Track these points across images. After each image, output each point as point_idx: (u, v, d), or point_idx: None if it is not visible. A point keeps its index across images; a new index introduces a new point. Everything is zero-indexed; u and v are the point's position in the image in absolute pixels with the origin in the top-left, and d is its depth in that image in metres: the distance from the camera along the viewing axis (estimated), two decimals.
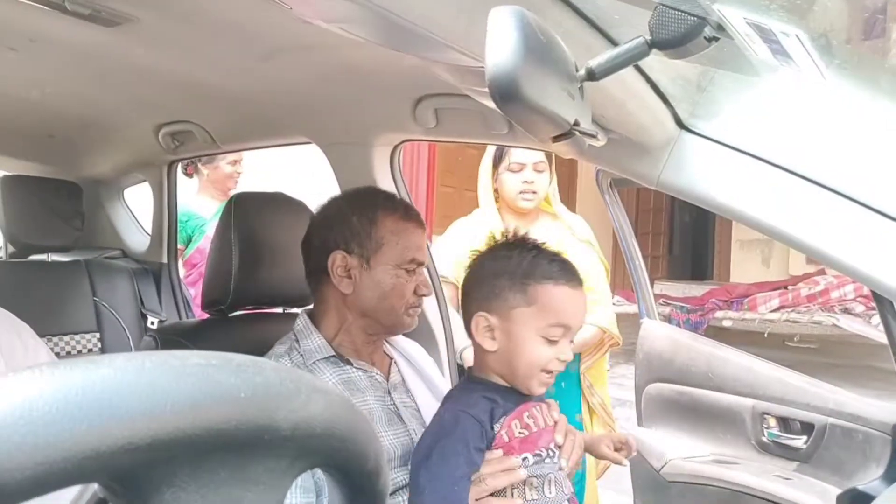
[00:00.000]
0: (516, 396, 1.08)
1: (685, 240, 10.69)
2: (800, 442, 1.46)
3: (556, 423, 1.10)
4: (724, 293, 6.36)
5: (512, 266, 1.06)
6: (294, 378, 0.31)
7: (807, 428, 1.45)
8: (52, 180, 2.17)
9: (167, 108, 1.71)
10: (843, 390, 1.45)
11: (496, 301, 1.05)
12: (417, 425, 1.18)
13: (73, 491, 0.29)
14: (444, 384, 1.33)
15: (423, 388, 1.27)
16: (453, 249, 2.06)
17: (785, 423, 1.50)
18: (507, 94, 0.47)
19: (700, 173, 1.00)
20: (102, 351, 2.06)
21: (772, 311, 5.88)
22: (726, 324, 6.07)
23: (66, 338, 2.00)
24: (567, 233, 2.11)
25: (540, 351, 1.04)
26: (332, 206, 1.26)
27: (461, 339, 2.14)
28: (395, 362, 1.28)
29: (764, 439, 1.53)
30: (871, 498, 0.93)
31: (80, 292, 2.06)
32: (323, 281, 1.20)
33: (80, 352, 2.01)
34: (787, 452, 1.49)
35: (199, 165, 2.83)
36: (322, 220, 1.24)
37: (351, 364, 1.18)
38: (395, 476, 1.10)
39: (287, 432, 0.30)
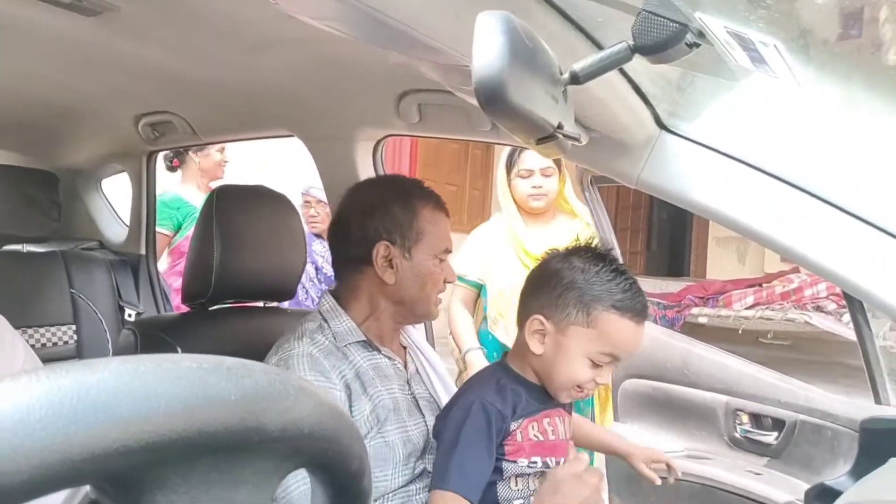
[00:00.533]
0: (543, 398, 1.09)
1: (663, 236, 10.79)
2: (771, 438, 1.49)
3: (570, 441, 1.13)
4: (700, 290, 6.43)
5: (585, 282, 1.04)
6: (282, 380, 0.32)
7: (778, 424, 1.49)
8: (28, 169, 2.14)
9: (147, 98, 1.69)
10: (813, 387, 1.48)
11: (557, 310, 1.05)
12: (430, 416, 1.18)
13: (63, 492, 0.29)
14: (445, 373, 1.33)
15: (435, 376, 1.27)
16: (476, 252, 2.25)
17: (757, 419, 1.54)
18: (492, 98, 0.48)
19: (678, 173, 1.02)
20: (78, 343, 2.03)
21: (746, 308, 5.95)
22: (702, 320, 6.14)
23: (42, 329, 1.97)
24: (583, 227, 2.21)
25: (582, 371, 1.04)
26: (371, 193, 1.24)
27: (468, 340, 2.18)
28: (412, 352, 1.28)
29: (736, 435, 1.56)
30: (839, 493, 0.96)
31: (56, 284, 2.04)
32: (360, 269, 1.18)
33: (55, 344, 1.99)
34: (758, 448, 1.52)
35: (191, 153, 2.81)
36: (362, 208, 1.20)
37: (379, 351, 1.18)
38: (414, 466, 1.11)
39: (276, 433, 0.30)
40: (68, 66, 1.41)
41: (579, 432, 1.38)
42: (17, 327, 1.89)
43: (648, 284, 7.40)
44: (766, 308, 5.86)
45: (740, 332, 6.05)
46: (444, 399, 1.23)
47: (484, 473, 1.03)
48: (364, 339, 1.16)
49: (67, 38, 1.22)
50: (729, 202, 0.97)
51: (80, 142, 2.14)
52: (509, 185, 2.24)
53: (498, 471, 1.05)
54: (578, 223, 2.24)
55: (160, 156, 2.75)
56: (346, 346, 1.14)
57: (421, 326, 1.74)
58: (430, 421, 1.17)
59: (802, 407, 1.44)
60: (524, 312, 1.10)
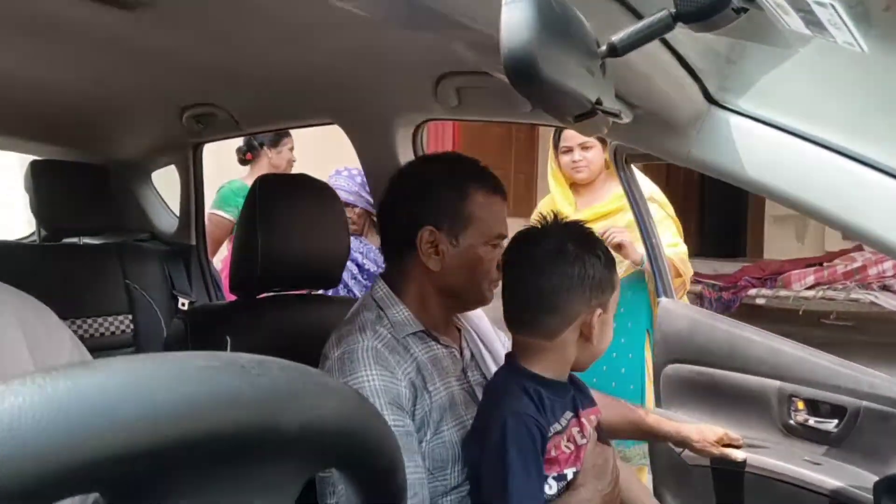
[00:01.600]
0: (562, 391, 1.07)
1: (717, 215, 10.48)
2: (830, 425, 1.41)
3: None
4: (757, 270, 6.24)
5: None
6: (303, 377, 0.30)
7: (838, 411, 1.40)
8: (80, 164, 2.21)
9: (190, 90, 1.71)
10: (879, 372, 1.40)
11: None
12: None
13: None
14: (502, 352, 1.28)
15: (490, 359, 1.23)
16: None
17: (814, 405, 1.45)
18: (523, 73, 0.45)
19: (731, 148, 0.97)
20: (135, 332, 2.09)
21: (807, 289, 5.75)
22: (760, 302, 5.96)
23: (101, 319, 2.04)
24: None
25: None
26: (419, 174, 1.20)
27: None
28: (467, 337, 1.23)
29: (791, 422, 1.48)
30: None
31: (111, 275, 2.10)
32: (407, 254, 1.13)
33: (113, 333, 2.05)
34: (816, 436, 1.43)
35: (265, 147, 2.89)
36: (408, 191, 1.16)
37: (437, 340, 1.14)
38: None
39: (294, 434, 0.29)
40: (111, 60, 1.44)
41: (617, 418, 1.34)
42: (76, 318, 1.97)
43: (703, 265, 7.21)
44: (828, 288, 5.65)
45: (801, 312, 5.85)
46: None
47: (540, 495, 0.98)
48: (422, 328, 1.12)
49: (108, 33, 1.24)
50: (786, 178, 0.91)
51: (128, 136, 2.19)
52: (557, 160, 2.40)
53: None
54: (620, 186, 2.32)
55: (234, 148, 2.90)
56: (404, 337, 1.10)
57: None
58: None
59: (866, 393, 1.35)
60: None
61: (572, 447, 1.03)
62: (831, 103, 1.01)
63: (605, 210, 2.33)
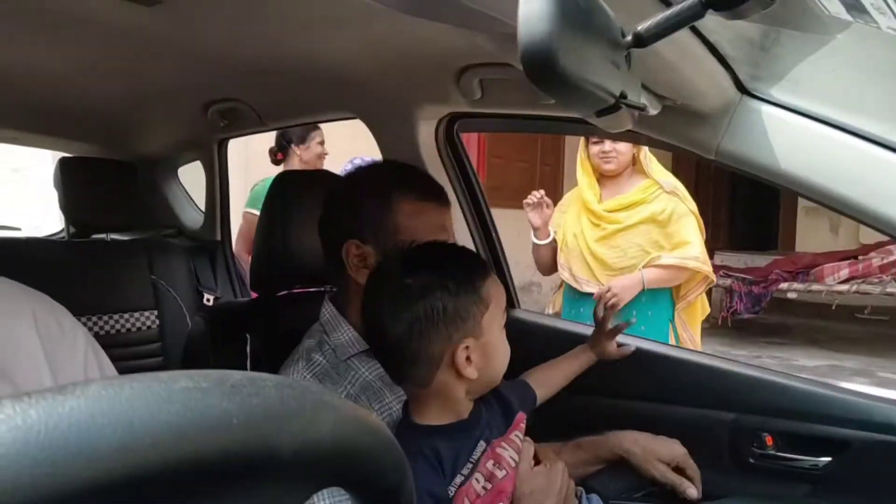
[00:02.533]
0: (466, 433, 0.94)
1: (748, 207, 10.30)
2: (813, 463, 1.17)
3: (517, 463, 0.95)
4: (789, 264, 6.13)
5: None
6: (298, 395, 0.29)
7: (829, 445, 1.17)
8: (107, 161, 2.23)
9: (213, 85, 1.71)
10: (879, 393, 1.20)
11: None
12: None
13: None
14: None
15: None
16: (561, 217, 2.52)
17: (790, 439, 1.21)
18: (541, 67, 0.43)
19: (763, 140, 0.93)
20: (160, 328, 2.11)
21: (840, 283, 5.62)
22: (791, 296, 5.86)
23: (127, 315, 2.06)
24: (652, 185, 2.36)
25: None
26: (344, 187, 1.18)
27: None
28: None
29: (751, 461, 1.23)
30: None
31: (138, 271, 2.12)
32: (342, 270, 1.10)
33: (139, 329, 2.07)
34: (791, 476, 1.20)
35: (293, 146, 2.92)
36: (335, 205, 1.14)
37: None
38: None
39: (289, 456, 0.27)
40: (134, 56, 1.44)
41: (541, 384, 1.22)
42: (102, 314, 1.99)
43: (733, 259, 7.09)
44: (863, 282, 5.53)
45: (833, 307, 5.73)
46: None
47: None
48: (368, 348, 1.07)
49: (133, 29, 1.24)
50: (823, 171, 0.87)
51: (153, 132, 2.20)
52: (587, 149, 2.42)
53: None
54: (650, 182, 2.37)
55: (259, 144, 2.91)
56: (348, 359, 1.07)
57: None
58: None
59: (878, 424, 1.13)
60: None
61: (490, 486, 0.91)
62: (871, 92, 0.96)
63: (628, 201, 2.35)
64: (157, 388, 0.25)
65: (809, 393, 1.20)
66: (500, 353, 0.96)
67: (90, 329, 1.96)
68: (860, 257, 5.80)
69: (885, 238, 6.09)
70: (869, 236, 6.77)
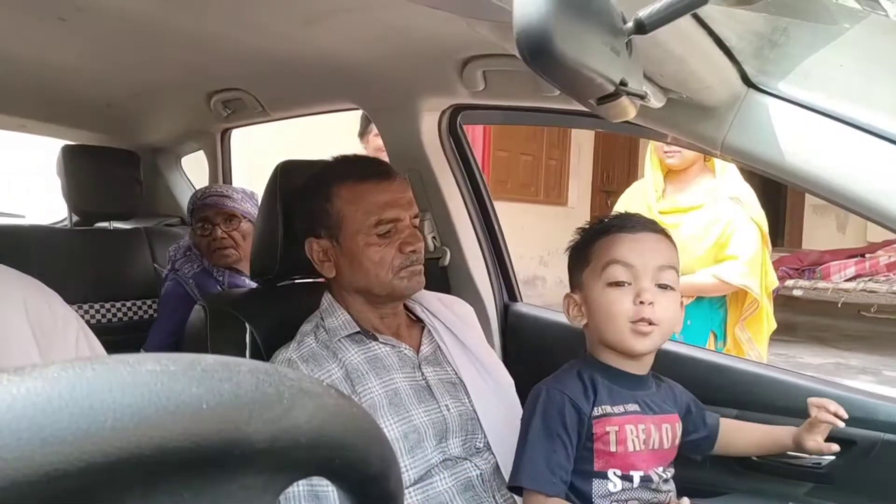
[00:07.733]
0: (626, 382, 1.02)
1: None
2: (818, 461, 1.17)
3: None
4: (795, 261, 6.09)
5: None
6: (275, 381, 0.27)
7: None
8: (110, 149, 2.22)
9: (217, 75, 1.70)
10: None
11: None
12: (451, 400, 1.12)
13: None
14: (487, 352, 1.26)
15: (465, 357, 1.19)
16: (622, 205, 2.41)
17: None
18: (537, 50, 0.41)
19: (770, 136, 0.91)
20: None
21: (847, 280, 5.59)
22: (797, 293, 5.82)
23: (129, 303, 2.06)
24: (716, 188, 2.24)
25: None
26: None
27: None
28: (432, 331, 1.21)
29: (753, 458, 1.23)
30: None
31: (140, 259, 2.12)
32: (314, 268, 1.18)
33: (140, 317, 2.07)
34: (792, 474, 1.20)
35: (361, 141, 2.89)
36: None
37: (377, 339, 1.14)
38: (428, 456, 1.05)
39: (263, 445, 0.26)
40: (139, 46, 1.43)
41: (728, 439, 1.16)
42: (105, 301, 1.99)
43: None
44: (870, 280, 5.49)
45: (839, 305, 5.70)
46: (482, 377, 1.17)
47: (559, 465, 0.96)
48: (358, 330, 1.12)
49: (135, 19, 1.23)
50: (831, 168, 0.86)
51: (157, 121, 2.19)
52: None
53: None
54: (714, 183, 2.26)
55: (264, 136, 2.85)
56: (338, 341, 1.11)
57: (489, 292, 1.66)
58: (452, 404, 1.11)
59: (886, 423, 1.13)
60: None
61: (640, 441, 0.98)
62: (880, 86, 0.94)
63: (684, 207, 2.24)
64: (122, 371, 0.24)
65: (814, 391, 1.19)
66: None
67: (92, 317, 1.97)
68: (867, 255, 5.76)
69: (893, 236, 6.05)
70: (877, 234, 6.72)
